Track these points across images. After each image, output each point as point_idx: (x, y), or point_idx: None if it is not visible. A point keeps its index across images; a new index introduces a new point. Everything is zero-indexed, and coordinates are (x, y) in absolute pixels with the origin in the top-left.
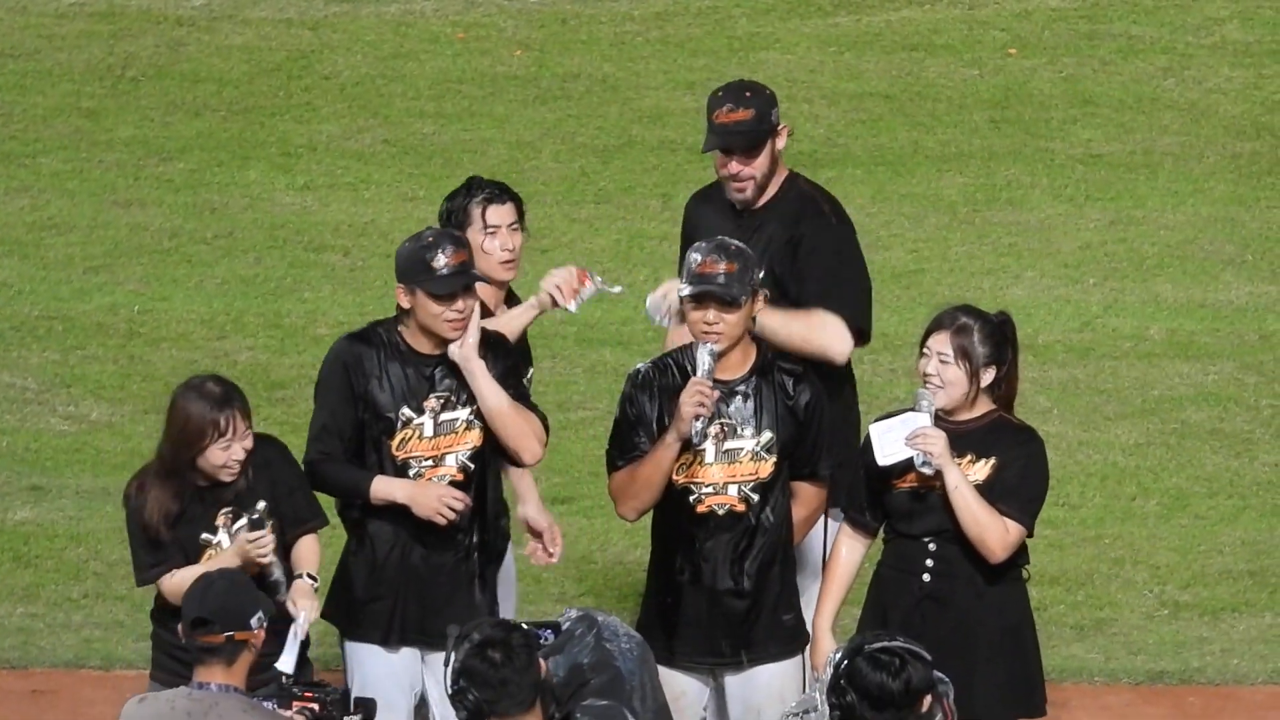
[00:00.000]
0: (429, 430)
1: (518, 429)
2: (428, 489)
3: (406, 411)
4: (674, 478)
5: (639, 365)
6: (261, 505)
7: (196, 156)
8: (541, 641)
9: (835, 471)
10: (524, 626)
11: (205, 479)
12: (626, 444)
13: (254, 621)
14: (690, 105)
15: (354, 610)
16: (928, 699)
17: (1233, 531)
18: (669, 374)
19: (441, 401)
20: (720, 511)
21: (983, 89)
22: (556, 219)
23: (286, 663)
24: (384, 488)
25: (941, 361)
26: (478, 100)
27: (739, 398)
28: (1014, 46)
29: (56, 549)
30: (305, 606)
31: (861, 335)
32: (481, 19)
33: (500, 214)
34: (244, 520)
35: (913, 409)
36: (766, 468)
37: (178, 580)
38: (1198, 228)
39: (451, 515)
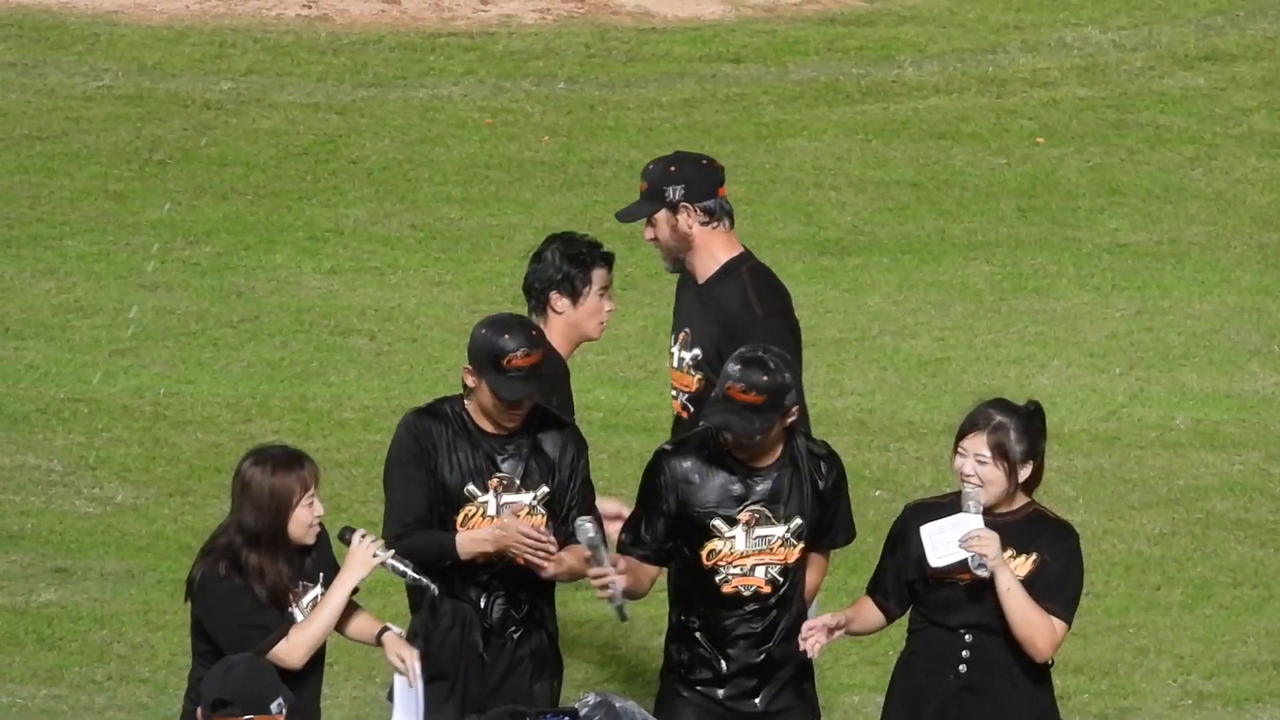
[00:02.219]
0: (492, 509)
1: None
2: (509, 524)
3: (472, 489)
4: (703, 561)
5: (666, 445)
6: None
7: (223, 240)
8: None
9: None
10: (539, 715)
11: (289, 548)
12: (638, 536)
13: (274, 706)
14: None
15: None
16: None
17: (1257, 621)
18: (699, 452)
19: (504, 483)
20: (745, 592)
21: (1010, 177)
22: None
23: None
24: (469, 542)
25: (979, 462)
26: (505, 185)
27: (770, 484)
28: (1041, 135)
29: (80, 631)
30: (410, 655)
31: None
32: (509, 104)
33: (610, 276)
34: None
35: (959, 509)
36: (794, 553)
37: (296, 638)
38: (1224, 317)
39: (534, 545)
